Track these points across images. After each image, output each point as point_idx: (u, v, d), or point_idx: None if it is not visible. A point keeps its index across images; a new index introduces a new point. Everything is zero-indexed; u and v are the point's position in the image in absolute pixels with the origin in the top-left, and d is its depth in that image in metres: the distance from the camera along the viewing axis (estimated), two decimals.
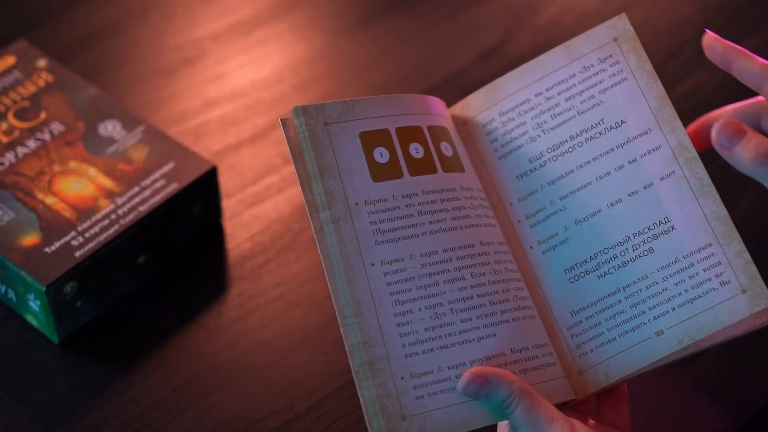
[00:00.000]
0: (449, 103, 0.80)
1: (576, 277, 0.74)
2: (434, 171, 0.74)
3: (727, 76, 1.09)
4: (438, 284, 0.71)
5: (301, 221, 0.97)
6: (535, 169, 0.76)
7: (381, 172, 0.73)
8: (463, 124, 0.79)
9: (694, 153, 0.74)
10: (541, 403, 0.67)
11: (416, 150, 0.74)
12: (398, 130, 0.74)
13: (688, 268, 0.72)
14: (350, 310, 0.69)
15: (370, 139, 0.74)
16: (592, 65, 0.77)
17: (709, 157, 1.02)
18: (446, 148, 0.76)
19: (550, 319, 0.73)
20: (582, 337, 0.72)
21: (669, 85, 1.08)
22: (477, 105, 0.79)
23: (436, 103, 0.77)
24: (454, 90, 1.07)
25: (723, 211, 0.72)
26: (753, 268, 0.70)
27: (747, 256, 0.71)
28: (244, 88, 1.08)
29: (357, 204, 0.72)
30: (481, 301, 0.71)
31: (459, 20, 1.14)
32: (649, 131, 0.75)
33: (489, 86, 0.79)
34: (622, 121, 0.75)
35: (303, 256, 0.95)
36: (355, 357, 0.68)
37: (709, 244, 0.72)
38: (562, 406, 0.71)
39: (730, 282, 0.71)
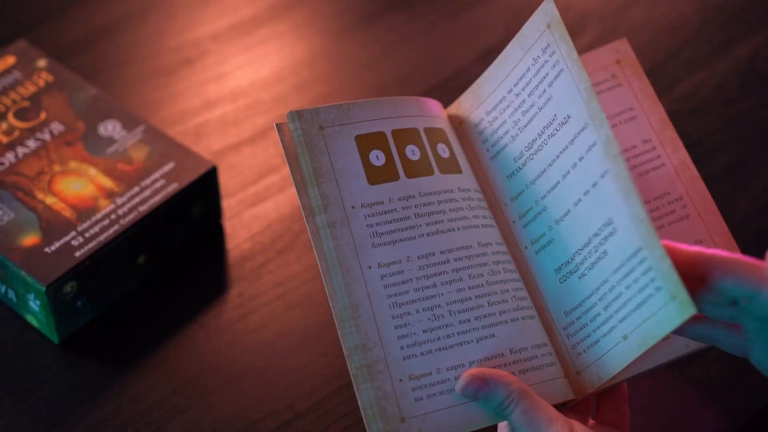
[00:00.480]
0: (449, 104, 0.80)
1: (564, 278, 0.74)
2: (431, 173, 0.74)
3: (728, 76, 1.09)
4: (436, 286, 0.71)
5: (301, 221, 0.97)
6: (518, 168, 0.76)
7: (377, 175, 0.73)
8: (459, 124, 0.79)
9: (618, 149, 0.69)
10: (540, 404, 0.67)
11: (412, 152, 0.74)
12: (394, 132, 0.74)
13: (631, 272, 0.69)
14: (348, 314, 0.69)
15: (366, 142, 0.73)
16: (539, 56, 0.75)
17: (711, 155, 1.02)
18: (443, 150, 0.75)
19: (548, 319, 0.73)
20: (575, 338, 0.72)
21: (669, 85, 1.08)
22: (467, 105, 0.79)
23: (433, 105, 0.77)
24: (454, 90, 1.06)
25: (643, 213, 0.67)
26: (675, 275, 0.65)
27: (668, 260, 0.66)
28: (244, 88, 1.08)
29: (353, 207, 0.71)
30: (480, 302, 0.71)
31: (459, 20, 1.14)
32: (586, 126, 0.71)
33: (474, 85, 0.78)
34: (568, 116, 0.72)
35: (303, 256, 0.95)
36: (353, 360, 0.68)
37: (641, 248, 0.68)
38: (562, 407, 0.71)
39: (662, 288, 0.67)
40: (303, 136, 0.72)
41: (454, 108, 0.79)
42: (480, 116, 0.78)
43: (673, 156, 0.76)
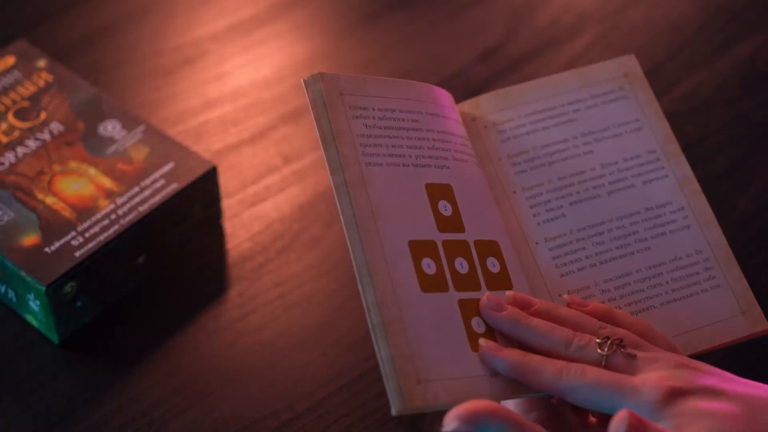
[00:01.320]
0: None
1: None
2: None
3: (728, 76, 1.09)
4: None
5: (301, 221, 0.97)
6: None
7: None
8: (472, 120, 0.80)
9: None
10: (535, 429, 0.66)
11: None
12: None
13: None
14: (365, 270, 0.68)
15: None
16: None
17: (711, 155, 1.02)
18: None
19: None
20: None
21: (669, 85, 1.08)
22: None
23: (445, 96, 0.78)
24: (454, 90, 1.06)
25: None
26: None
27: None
28: (244, 87, 1.08)
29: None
30: None
31: (459, 20, 1.14)
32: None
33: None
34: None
35: (303, 256, 0.95)
36: (371, 315, 0.67)
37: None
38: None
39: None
40: (324, 97, 0.72)
41: (469, 105, 0.80)
42: (505, 118, 0.79)
43: (676, 169, 0.78)
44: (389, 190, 0.71)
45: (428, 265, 0.70)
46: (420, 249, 0.70)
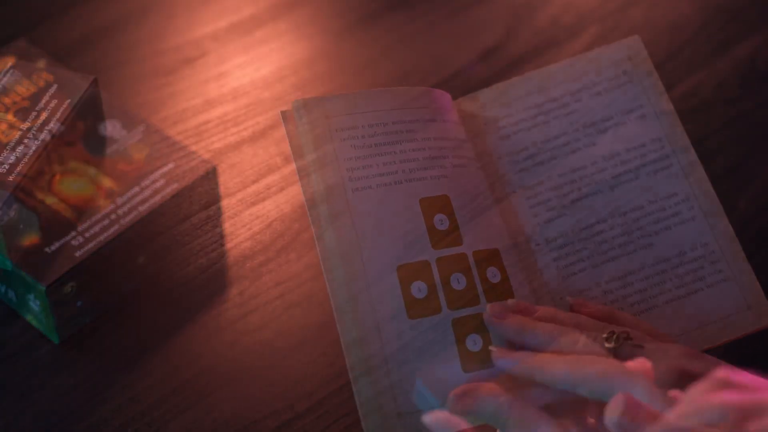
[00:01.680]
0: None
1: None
2: None
3: (728, 76, 1.09)
4: None
5: (302, 220, 0.97)
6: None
7: None
8: (471, 118, 0.79)
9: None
10: (532, 412, 0.66)
11: None
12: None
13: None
14: (347, 306, 0.68)
15: None
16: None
17: (711, 155, 1.02)
18: None
19: None
20: None
21: (669, 85, 1.08)
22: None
23: (442, 98, 0.77)
24: (454, 90, 1.06)
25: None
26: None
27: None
28: (244, 87, 1.08)
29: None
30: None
31: (459, 20, 1.14)
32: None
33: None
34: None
35: (303, 255, 0.95)
36: (351, 353, 0.67)
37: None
38: None
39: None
40: (307, 125, 0.71)
41: (469, 101, 0.79)
42: (504, 114, 0.79)
43: (681, 156, 0.77)
44: (378, 214, 0.69)
45: (418, 289, 0.68)
46: (410, 273, 0.68)
